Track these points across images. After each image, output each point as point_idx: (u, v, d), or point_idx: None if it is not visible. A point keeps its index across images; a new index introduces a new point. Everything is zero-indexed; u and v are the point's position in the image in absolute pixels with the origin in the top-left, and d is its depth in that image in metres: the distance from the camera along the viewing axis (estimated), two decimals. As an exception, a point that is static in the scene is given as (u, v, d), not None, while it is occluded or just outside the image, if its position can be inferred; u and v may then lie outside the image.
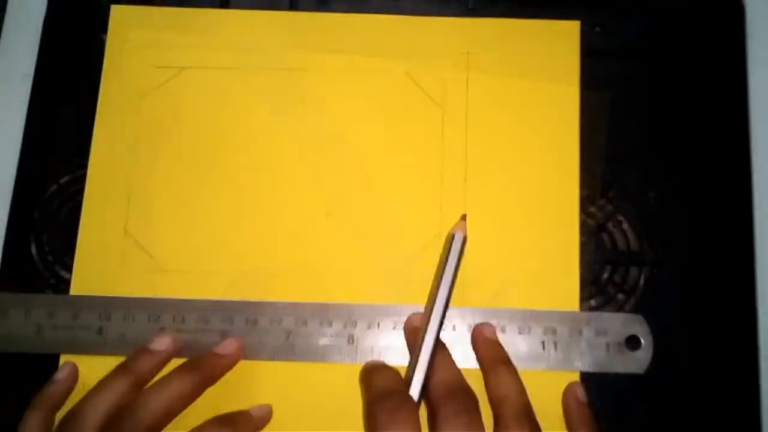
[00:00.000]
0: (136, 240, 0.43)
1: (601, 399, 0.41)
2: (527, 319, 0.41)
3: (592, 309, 0.42)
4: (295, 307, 0.41)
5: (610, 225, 0.43)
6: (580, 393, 0.39)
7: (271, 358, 0.41)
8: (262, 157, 0.44)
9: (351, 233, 0.43)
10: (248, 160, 0.44)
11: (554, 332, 0.41)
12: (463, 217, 0.41)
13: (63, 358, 0.41)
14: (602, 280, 0.43)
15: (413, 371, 0.37)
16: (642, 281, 0.42)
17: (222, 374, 0.40)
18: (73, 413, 0.37)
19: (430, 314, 0.38)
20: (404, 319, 0.41)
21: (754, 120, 0.45)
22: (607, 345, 0.40)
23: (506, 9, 0.46)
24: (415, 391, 0.37)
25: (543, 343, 0.41)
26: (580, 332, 0.41)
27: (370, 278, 0.42)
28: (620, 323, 0.41)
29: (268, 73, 0.45)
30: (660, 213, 0.43)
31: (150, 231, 0.43)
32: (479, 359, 0.40)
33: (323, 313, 0.41)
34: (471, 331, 0.41)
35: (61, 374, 0.40)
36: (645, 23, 0.46)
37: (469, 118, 0.45)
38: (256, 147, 0.44)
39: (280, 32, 0.46)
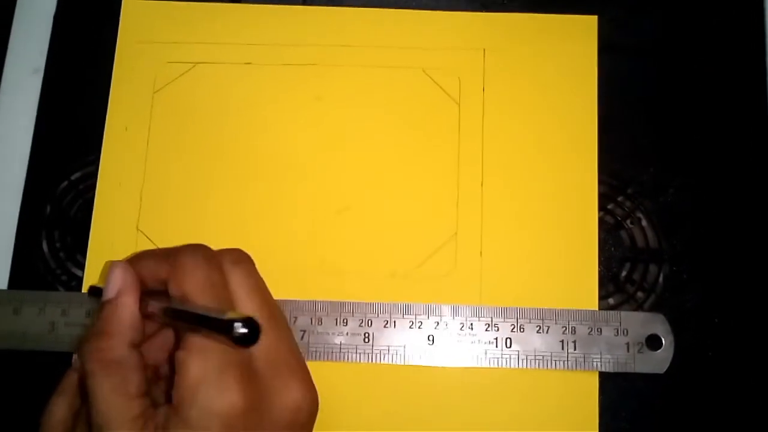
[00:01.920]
0: (148, 237, 0.43)
1: (620, 398, 0.40)
2: (546, 318, 0.40)
3: (610, 307, 0.42)
4: (310, 305, 0.41)
5: (628, 222, 0.43)
6: None
7: (286, 357, 0.40)
8: (276, 153, 0.44)
9: (366, 230, 0.43)
10: (262, 157, 0.44)
11: (573, 331, 0.40)
12: None
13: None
14: (621, 278, 0.42)
15: None
16: (661, 279, 0.42)
17: None
18: None
19: None
20: (421, 317, 0.41)
21: (775, 115, 0.44)
22: (627, 344, 0.40)
23: (522, 4, 0.46)
24: None
25: (562, 342, 0.40)
26: (599, 331, 0.40)
27: (386, 276, 0.42)
28: (641, 322, 0.40)
29: (281, 68, 0.45)
30: (679, 209, 0.43)
31: (162, 228, 0.43)
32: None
33: (339, 311, 0.41)
34: (487, 330, 0.40)
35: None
36: (662, 17, 0.46)
37: (485, 114, 0.44)
38: (270, 143, 0.44)
39: (294, 27, 0.46)
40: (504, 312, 0.41)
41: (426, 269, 0.42)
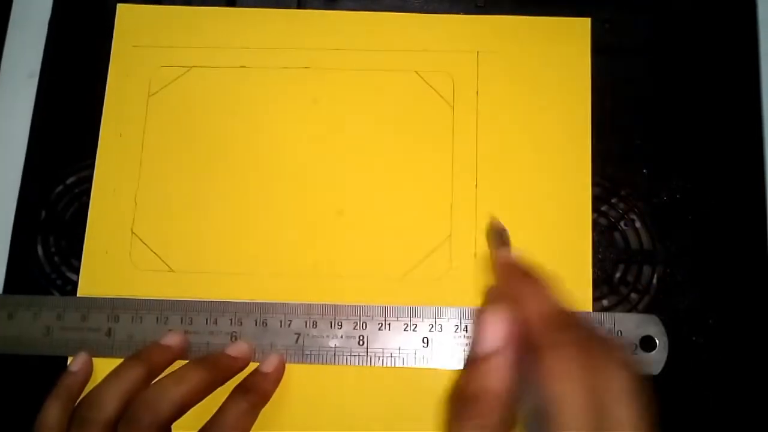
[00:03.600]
0: (143, 241, 0.43)
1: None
2: (540, 319, 0.40)
3: (604, 309, 0.42)
4: (305, 308, 0.41)
5: (622, 224, 0.43)
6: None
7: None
8: (271, 156, 0.44)
9: (361, 233, 0.43)
10: (257, 160, 0.44)
11: (568, 333, 0.40)
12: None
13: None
14: (615, 280, 0.42)
15: None
16: (655, 280, 0.42)
17: (233, 375, 0.40)
18: (89, 400, 0.36)
19: None
20: (416, 320, 0.41)
21: (767, 116, 0.44)
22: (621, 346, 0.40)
23: (516, 6, 0.46)
24: None
25: (556, 343, 0.40)
26: (593, 333, 0.40)
27: (381, 278, 0.42)
28: (634, 324, 0.40)
29: (276, 71, 0.45)
30: (673, 211, 0.43)
31: (157, 232, 0.43)
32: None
33: (333, 314, 0.41)
34: None
35: (76, 365, 0.40)
36: (655, 19, 0.46)
37: (479, 117, 0.44)
38: (265, 146, 0.44)
39: (288, 31, 0.46)
40: (498, 314, 0.41)
41: (421, 271, 0.42)
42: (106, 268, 0.42)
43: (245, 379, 0.39)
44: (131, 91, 0.45)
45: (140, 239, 0.43)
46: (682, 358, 0.41)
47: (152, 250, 0.43)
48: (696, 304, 0.42)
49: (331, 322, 0.41)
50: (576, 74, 0.45)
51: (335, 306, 0.41)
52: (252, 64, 0.45)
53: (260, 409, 0.39)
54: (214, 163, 0.44)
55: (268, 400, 0.39)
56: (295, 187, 0.43)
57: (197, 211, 0.43)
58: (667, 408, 0.40)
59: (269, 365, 0.40)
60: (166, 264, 0.42)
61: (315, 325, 0.41)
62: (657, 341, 0.40)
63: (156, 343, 0.40)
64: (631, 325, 0.40)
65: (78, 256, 0.43)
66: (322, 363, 0.40)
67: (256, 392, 0.39)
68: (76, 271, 0.43)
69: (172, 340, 0.40)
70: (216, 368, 0.39)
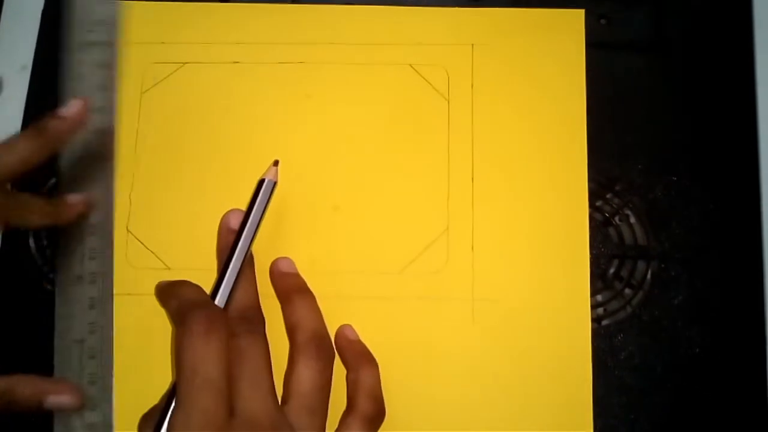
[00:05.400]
0: (138, 239, 0.43)
1: (609, 397, 0.41)
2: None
3: (599, 304, 0.42)
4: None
5: (616, 219, 0.43)
6: (350, 332, 0.41)
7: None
8: (266, 152, 0.44)
9: (357, 228, 0.43)
10: (251, 156, 0.44)
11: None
12: (275, 163, 0.42)
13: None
14: (609, 275, 0.42)
15: (219, 286, 0.38)
16: (649, 276, 0.42)
17: (66, 138, 0.37)
18: None
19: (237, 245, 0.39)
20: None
21: (762, 113, 0.44)
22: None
23: (509, -2, 0.46)
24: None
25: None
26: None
27: (378, 273, 0.42)
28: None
29: (270, 67, 0.45)
30: (667, 206, 0.43)
31: (153, 229, 0.43)
32: (276, 292, 0.41)
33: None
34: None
35: (67, 110, 0.37)
36: (651, 14, 0.46)
37: (474, 110, 0.44)
38: (260, 142, 0.44)
39: (282, 25, 0.45)
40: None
41: (418, 265, 0.42)
42: (102, 266, 0.42)
43: (41, 120, 0.37)
44: (123, 87, 0.44)
45: (136, 237, 0.43)
46: (676, 353, 0.41)
47: (148, 248, 0.43)
48: (690, 300, 0.42)
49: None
50: (571, 66, 0.45)
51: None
52: (246, 59, 0.45)
53: (49, 151, 0.37)
54: (209, 159, 0.44)
55: (61, 144, 0.38)
56: (292, 182, 0.43)
57: (193, 207, 0.43)
58: (666, 403, 0.41)
59: (69, 109, 0.37)
60: (163, 262, 0.42)
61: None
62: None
63: (53, 114, 0.37)
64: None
65: (71, 250, 0.43)
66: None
67: (48, 133, 0.36)
68: (70, 265, 0.43)
69: (69, 110, 0.37)
70: (44, 135, 0.36)
